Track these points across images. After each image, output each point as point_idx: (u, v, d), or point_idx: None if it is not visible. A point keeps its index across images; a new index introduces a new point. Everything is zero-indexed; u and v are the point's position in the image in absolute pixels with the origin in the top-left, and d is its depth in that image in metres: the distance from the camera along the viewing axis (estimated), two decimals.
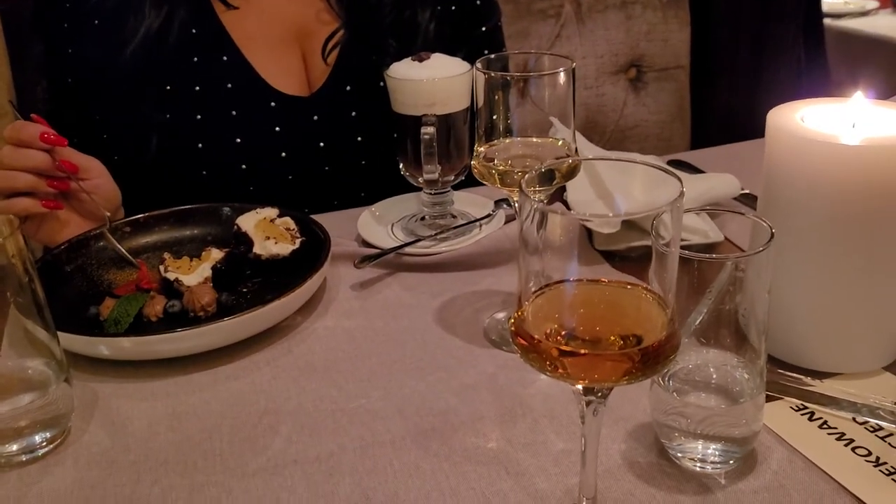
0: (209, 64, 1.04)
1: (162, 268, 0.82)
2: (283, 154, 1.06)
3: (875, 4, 2.87)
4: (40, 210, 0.88)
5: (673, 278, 0.46)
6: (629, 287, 0.48)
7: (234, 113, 1.04)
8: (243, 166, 1.05)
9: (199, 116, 1.03)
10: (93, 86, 1.05)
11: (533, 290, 0.48)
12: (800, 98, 0.70)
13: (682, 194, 0.43)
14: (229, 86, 1.04)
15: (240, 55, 1.05)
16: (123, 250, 0.87)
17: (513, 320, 0.47)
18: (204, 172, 1.04)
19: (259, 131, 1.05)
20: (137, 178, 1.02)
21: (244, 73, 1.04)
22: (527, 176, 0.46)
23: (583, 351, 0.45)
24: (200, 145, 1.03)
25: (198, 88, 1.03)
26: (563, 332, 0.46)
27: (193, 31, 1.03)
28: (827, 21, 2.51)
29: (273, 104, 1.05)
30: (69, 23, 1.04)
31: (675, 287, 0.54)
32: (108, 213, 0.89)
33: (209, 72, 1.04)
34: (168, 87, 1.03)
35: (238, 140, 1.04)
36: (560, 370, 0.45)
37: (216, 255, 0.84)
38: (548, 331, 0.46)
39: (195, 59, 1.03)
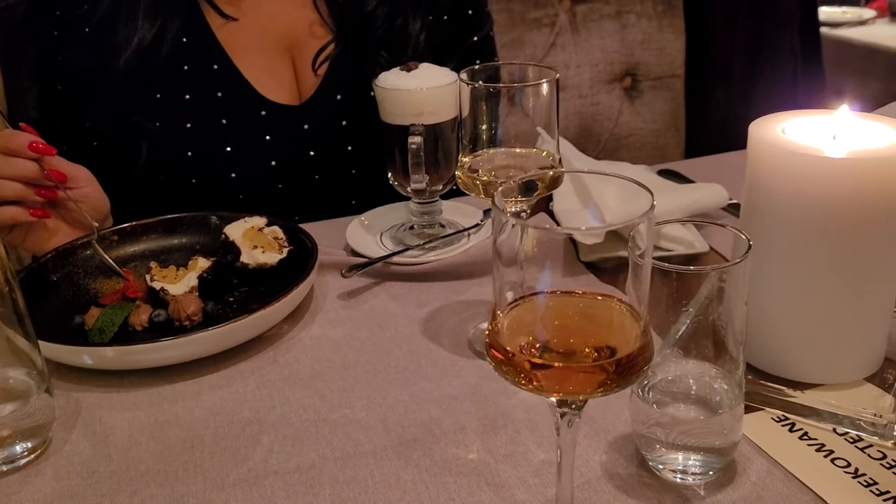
0: (199, 72, 1.04)
1: (148, 277, 0.82)
2: (273, 163, 1.06)
3: (872, 14, 2.87)
4: (28, 219, 0.88)
5: (646, 289, 0.46)
6: (603, 299, 0.48)
7: (223, 121, 1.04)
8: (233, 174, 1.05)
9: (188, 125, 1.04)
10: (83, 93, 1.05)
11: (509, 301, 0.48)
12: (796, 107, 0.70)
13: (653, 207, 0.43)
14: (219, 94, 1.04)
15: (230, 64, 1.05)
16: (111, 261, 0.87)
17: (487, 333, 0.47)
18: (194, 180, 1.04)
19: (249, 140, 1.05)
20: (127, 185, 1.02)
21: (234, 81, 1.05)
22: (500, 188, 0.47)
23: (556, 364, 0.45)
24: (190, 153, 1.04)
25: (188, 97, 1.04)
26: (537, 345, 0.46)
27: (184, 39, 1.04)
28: (824, 30, 2.52)
29: (263, 113, 1.05)
30: (59, 30, 1.04)
31: (653, 298, 0.54)
32: (96, 223, 0.89)
33: (199, 80, 1.04)
34: (158, 96, 1.03)
35: (228, 148, 1.04)
36: (534, 383, 0.45)
37: (203, 263, 0.84)
38: (522, 343, 0.46)
39: (185, 67, 1.04)
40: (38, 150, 0.85)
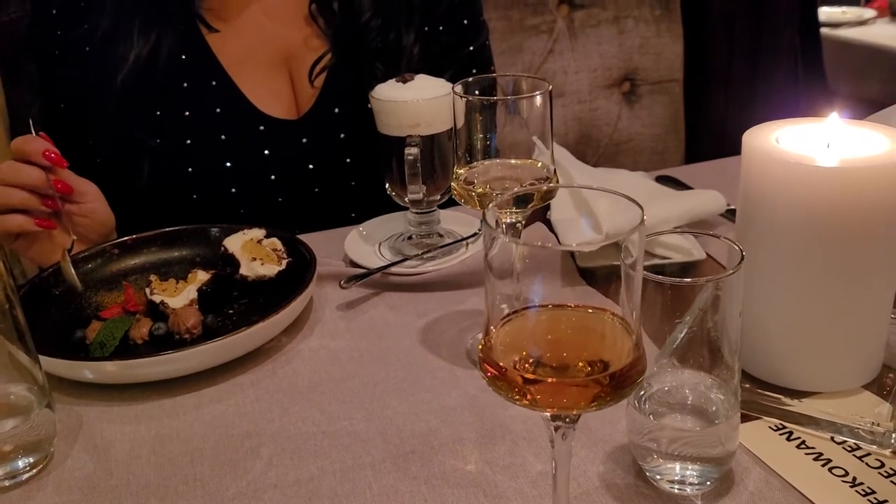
0: (198, 89, 1.05)
1: (148, 290, 0.82)
2: (273, 177, 1.07)
3: (872, 14, 2.87)
4: (33, 228, 0.89)
5: (638, 301, 0.47)
6: (596, 312, 0.49)
7: (223, 137, 1.05)
8: (233, 190, 1.06)
9: (188, 141, 1.04)
10: (85, 111, 1.06)
11: (502, 316, 0.48)
12: (798, 109, 0.70)
13: (643, 221, 0.44)
14: (218, 110, 1.05)
15: (228, 80, 1.06)
16: (75, 276, 0.86)
17: (480, 348, 0.48)
18: (194, 196, 1.05)
19: (248, 155, 1.06)
20: (129, 200, 1.02)
21: (233, 97, 1.06)
22: (492, 204, 0.47)
23: (549, 379, 0.45)
24: (190, 169, 1.04)
25: (187, 113, 1.05)
26: (530, 360, 0.46)
27: (183, 56, 1.05)
28: (824, 31, 2.51)
29: (262, 128, 1.06)
30: (60, 49, 1.05)
31: (648, 309, 0.54)
32: (75, 238, 0.91)
33: (198, 97, 1.05)
34: (158, 113, 1.04)
35: (228, 164, 1.05)
36: (528, 397, 0.46)
37: (202, 276, 0.84)
38: (515, 359, 0.46)
39: (184, 84, 1.05)
40: (51, 159, 0.87)
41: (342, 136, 1.07)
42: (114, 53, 1.02)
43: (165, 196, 1.05)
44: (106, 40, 1.03)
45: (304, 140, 1.07)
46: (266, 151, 1.06)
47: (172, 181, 1.05)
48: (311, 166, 1.07)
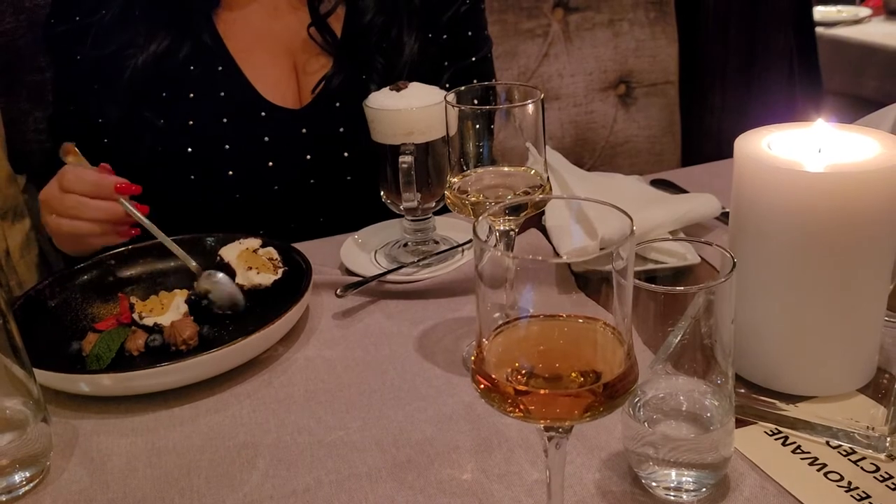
0: (205, 73, 1.07)
1: (136, 316, 0.81)
2: (270, 163, 1.08)
3: (868, 12, 2.87)
4: (115, 241, 0.94)
5: (628, 310, 0.47)
6: (588, 322, 0.49)
7: (224, 120, 1.07)
8: (230, 172, 1.07)
9: (191, 122, 1.06)
10: (98, 91, 1.08)
11: (494, 328, 0.48)
12: (794, 109, 0.70)
13: (633, 232, 0.44)
14: (222, 94, 1.07)
15: (235, 66, 1.08)
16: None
17: (472, 360, 0.48)
18: (192, 177, 1.06)
19: (248, 140, 1.08)
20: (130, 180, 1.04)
21: (238, 83, 1.08)
22: (482, 216, 0.47)
23: (541, 390, 0.45)
24: (190, 149, 1.06)
25: (192, 95, 1.07)
26: (523, 372, 0.46)
27: (195, 43, 1.07)
28: (819, 30, 2.51)
29: (263, 114, 1.08)
30: (79, 31, 1.07)
31: (642, 316, 0.54)
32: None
33: (204, 80, 1.07)
34: (164, 94, 1.06)
35: (227, 146, 1.06)
36: (520, 408, 0.46)
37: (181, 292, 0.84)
38: (507, 370, 0.46)
39: (192, 67, 1.07)
40: (124, 190, 0.91)
41: (341, 129, 1.08)
42: (131, 39, 1.05)
43: (165, 174, 1.07)
44: (124, 26, 1.05)
45: (304, 130, 1.08)
46: (266, 138, 1.07)
47: (172, 159, 1.06)
48: (308, 157, 1.08)
